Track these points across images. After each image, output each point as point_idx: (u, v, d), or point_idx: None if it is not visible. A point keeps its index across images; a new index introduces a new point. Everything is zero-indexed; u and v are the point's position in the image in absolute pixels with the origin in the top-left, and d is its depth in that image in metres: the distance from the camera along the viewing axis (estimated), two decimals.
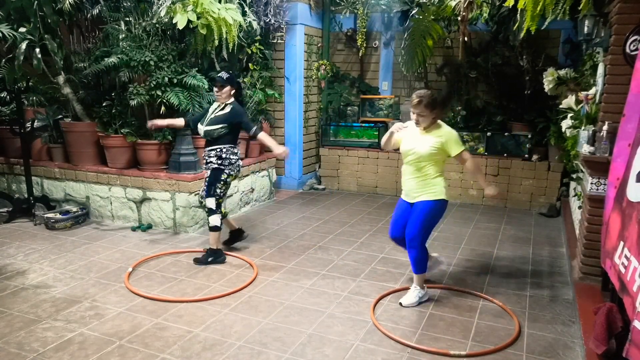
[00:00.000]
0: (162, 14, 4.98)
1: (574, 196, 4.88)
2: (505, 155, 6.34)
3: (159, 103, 4.97)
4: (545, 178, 6.16)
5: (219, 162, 4.16)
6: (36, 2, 4.94)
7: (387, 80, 7.36)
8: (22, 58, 4.87)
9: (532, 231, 5.38)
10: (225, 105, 4.19)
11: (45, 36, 5.06)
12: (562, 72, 5.16)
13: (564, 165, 5.72)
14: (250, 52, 6.15)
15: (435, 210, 3.40)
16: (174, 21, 4.83)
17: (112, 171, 5.34)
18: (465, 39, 5.52)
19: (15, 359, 2.77)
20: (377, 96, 7.31)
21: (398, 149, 3.57)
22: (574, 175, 4.54)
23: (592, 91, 4.07)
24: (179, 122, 4.48)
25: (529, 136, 6.18)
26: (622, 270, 2.26)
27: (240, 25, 5.42)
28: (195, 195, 5.10)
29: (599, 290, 3.44)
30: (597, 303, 2.96)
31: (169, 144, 5.26)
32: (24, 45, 4.88)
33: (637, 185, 2.31)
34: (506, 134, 6.34)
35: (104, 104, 5.34)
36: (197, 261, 4.28)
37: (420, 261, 3.46)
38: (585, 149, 3.56)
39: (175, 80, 5.02)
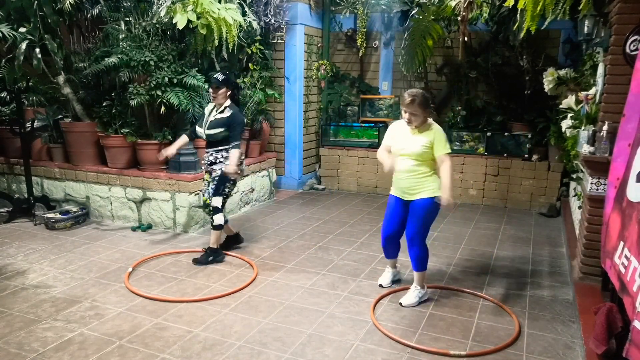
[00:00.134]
0: (162, 14, 4.98)
1: (574, 196, 4.88)
2: (505, 155, 6.34)
3: (159, 103, 4.97)
4: (545, 178, 6.16)
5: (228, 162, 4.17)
6: (36, 2, 4.94)
7: (387, 80, 7.36)
8: (22, 58, 4.87)
9: (532, 231, 5.38)
10: (225, 108, 4.17)
11: (45, 36, 5.06)
12: (562, 72, 5.16)
13: (564, 165, 5.72)
14: (250, 52, 6.15)
15: (433, 207, 3.42)
16: (173, 21, 4.83)
17: (112, 171, 5.34)
18: (465, 39, 5.51)
19: (15, 359, 2.77)
20: (377, 96, 7.32)
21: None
22: (574, 175, 4.54)
23: (592, 91, 4.07)
24: (184, 139, 4.40)
25: (529, 136, 6.18)
26: (622, 270, 2.26)
27: (240, 25, 5.43)
28: (196, 195, 5.10)
29: (599, 290, 3.44)
30: (597, 303, 2.96)
31: (168, 144, 5.24)
32: (24, 45, 4.88)
33: (637, 185, 2.31)
34: (506, 134, 6.34)
35: (104, 104, 5.35)
36: (197, 261, 4.27)
37: (422, 259, 3.49)
38: (585, 149, 3.56)
39: (175, 80, 5.02)
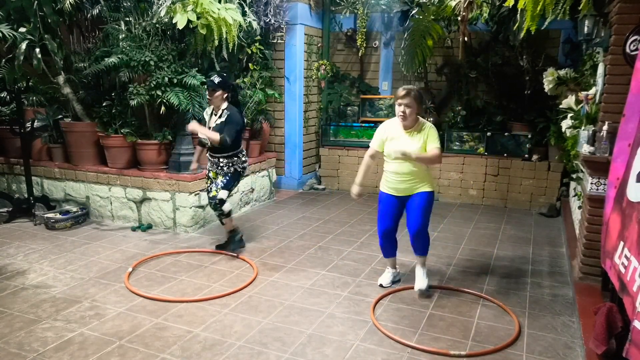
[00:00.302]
0: (162, 14, 4.98)
1: (574, 196, 4.88)
2: (505, 155, 6.34)
3: (159, 103, 4.97)
4: (545, 178, 6.16)
5: (242, 165, 4.36)
6: (36, 2, 4.94)
7: (387, 80, 7.36)
8: (22, 58, 4.87)
9: (532, 231, 5.38)
10: (222, 111, 4.19)
11: (45, 36, 5.06)
12: (562, 72, 5.16)
13: (564, 165, 5.72)
14: (250, 52, 6.14)
15: (431, 199, 3.61)
16: (173, 21, 4.83)
17: (112, 171, 5.34)
18: (465, 39, 5.51)
19: (15, 359, 2.77)
20: (377, 96, 7.31)
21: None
22: (574, 175, 4.54)
23: (592, 91, 4.07)
24: (199, 149, 4.51)
25: (529, 136, 6.18)
26: (622, 270, 2.26)
27: (240, 25, 5.42)
28: (196, 195, 5.10)
29: (599, 290, 3.44)
30: (597, 303, 2.96)
31: (168, 144, 5.26)
32: (24, 45, 4.89)
33: (637, 185, 2.31)
34: (506, 134, 6.34)
35: (104, 104, 5.35)
36: (222, 247, 4.47)
37: (427, 246, 3.71)
38: (585, 149, 3.56)
39: (175, 80, 5.02)
